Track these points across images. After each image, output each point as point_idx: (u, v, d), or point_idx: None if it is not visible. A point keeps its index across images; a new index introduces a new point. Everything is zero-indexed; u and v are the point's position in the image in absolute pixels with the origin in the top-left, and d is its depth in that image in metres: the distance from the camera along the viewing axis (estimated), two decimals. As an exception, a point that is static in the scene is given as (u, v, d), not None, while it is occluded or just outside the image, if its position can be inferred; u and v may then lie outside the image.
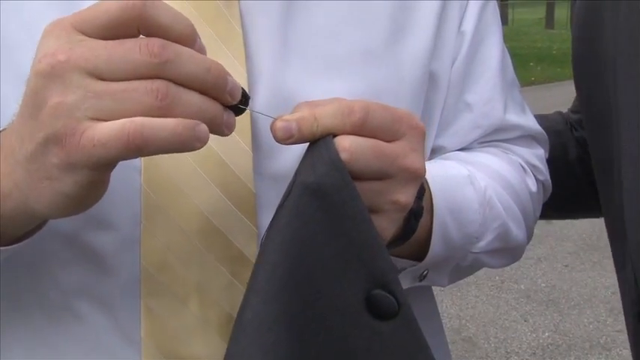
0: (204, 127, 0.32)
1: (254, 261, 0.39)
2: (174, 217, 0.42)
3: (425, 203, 0.46)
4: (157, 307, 0.43)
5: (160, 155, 0.33)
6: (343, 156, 0.35)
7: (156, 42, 0.31)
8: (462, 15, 0.54)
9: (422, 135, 0.40)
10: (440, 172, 0.49)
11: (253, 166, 0.43)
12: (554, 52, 11.19)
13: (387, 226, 0.38)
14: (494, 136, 0.58)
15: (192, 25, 0.33)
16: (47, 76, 0.31)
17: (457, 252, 0.52)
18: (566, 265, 3.05)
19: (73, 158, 0.31)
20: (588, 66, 0.65)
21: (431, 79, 0.52)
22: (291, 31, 0.47)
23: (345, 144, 0.36)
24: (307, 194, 0.35)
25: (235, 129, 0.35)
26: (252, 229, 0.43)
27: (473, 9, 0.54)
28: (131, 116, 0.30)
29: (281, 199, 0.37)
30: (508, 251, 0.57)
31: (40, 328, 0.46)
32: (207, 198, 0.42)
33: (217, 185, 0.42)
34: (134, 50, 0.31)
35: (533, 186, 0.59)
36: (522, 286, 2.88)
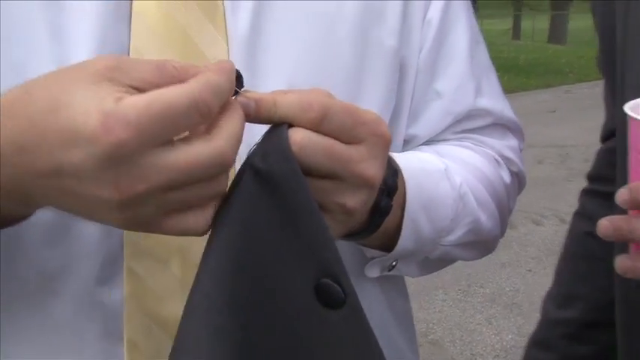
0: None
1: None
2: None
3: (397, 199, 0.46)
4: (139, 269, 0.44)
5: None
6: (293, 148, 0.35)
7: (222, 159, 0.33)
8: (428, 3, 0.55)
9: (385, 143, 0.39)
10: (417, 167, 0.49)
11: None
12: (520, 62, 11.51)
13: (332, 225, 0.38)
14: (466, 124, 0.59)
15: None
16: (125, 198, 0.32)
17: (426, 245, 0.52)
18: (529, 270, 3.13)
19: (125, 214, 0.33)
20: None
21: (400, 68, 0.53)
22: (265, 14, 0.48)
23: (297, 137, 0.36)
24: (258, 180, 0.35)
25: None
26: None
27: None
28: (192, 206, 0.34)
29: (233, 179, 0.37)
30: (481, 244, 0.58)
31: (20, 311, 0.45)
32: None
33: None
34: (203, 168, 0.33)
35: (507, 178, 0.60)
36: (487, 290, 2.94)
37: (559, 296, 0.79)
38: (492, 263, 3.05)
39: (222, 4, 0.46)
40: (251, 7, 0.47)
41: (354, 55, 0.50)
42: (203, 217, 0.35)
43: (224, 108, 0.34)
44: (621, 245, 0.48)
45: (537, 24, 18.80)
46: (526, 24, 20.39)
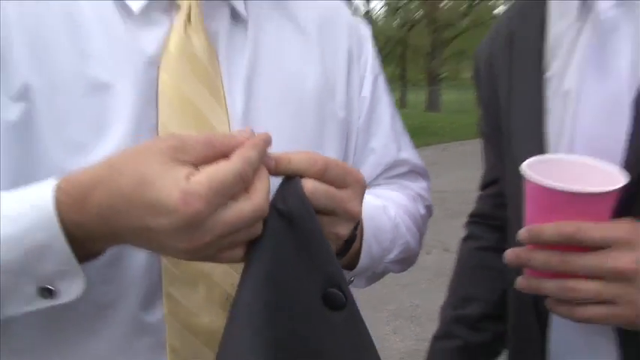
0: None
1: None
2: None
3: (358, 230, 0.54)
4: (175, 292, 0.51)
5: None
6: (305, 194, 0.43)
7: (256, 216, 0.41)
8: (362, 83, 0.66)
9: (363, 187, 0.47)
10: (366, 205, 0.54)
11: None
12: (407, 125, 12.45)
13: None
14: (392, 172, 0.68)
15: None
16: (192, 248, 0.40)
17: (376, 263, 0.61)
18: (424, 289, 3.51)
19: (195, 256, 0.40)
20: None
21: (347, 132, 0.62)
22: (255, 86, 0.56)
23: (309, 186, 0.43)
24: (281, 218, 0.43)
25: None
26: None
27: (368, 79, 0.67)
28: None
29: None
30: (407, 259, 0.68)
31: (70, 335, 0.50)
32: None
33: None
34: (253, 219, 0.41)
35: (422, 211, 0.71)
36: (392, 307, 3.28)
37: (457, 300, 0.87)
38: (395, 285, 3.41)
39: (222, 87, 0.53)
40: (243, 89, 0.55)
41: (317, 124, 0.59)
42: (239, 251, 0.43)
43: (255, 169, 0.41)
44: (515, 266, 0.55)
45: (418, 97, 21.08)
46: (410, 96, 22.62)
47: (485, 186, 0.88)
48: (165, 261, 0.50)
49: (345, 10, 0.68)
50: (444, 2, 18.37)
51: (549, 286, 0.54)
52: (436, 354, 0.86)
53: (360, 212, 0.48)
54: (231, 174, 0.39)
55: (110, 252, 0.46)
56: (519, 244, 0.55)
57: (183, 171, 0.38)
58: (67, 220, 0.41)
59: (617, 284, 0.51)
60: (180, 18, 0.53)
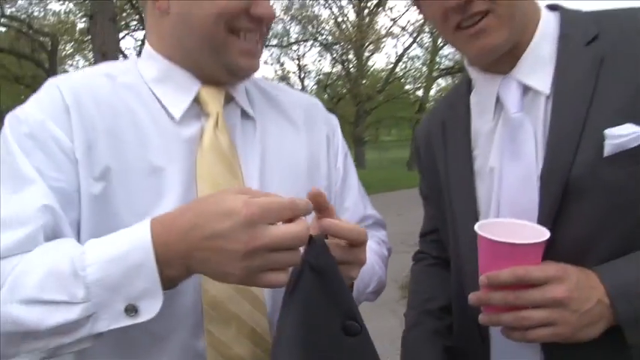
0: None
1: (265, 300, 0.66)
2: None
3: None
4: (213, 329, 0.67)
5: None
6: (332, 252, 0.59)
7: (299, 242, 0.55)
8: (336, 159, 0.88)
9: (365, 242, 0.65)
10: None
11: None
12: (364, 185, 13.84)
13: None
14: (361, 224, 0.86)
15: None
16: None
17: (361, 295, 0.80)
18: (365, 314, 4.53)
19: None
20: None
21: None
22: (266, 166, 0.75)
23: (338, 250, 0.62)
24: (312, 271, 0.59)
25: None
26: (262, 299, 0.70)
27: (341, 156, 0.89)
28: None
29: (293, 271, 0.60)
30: (380, 290, 0.87)
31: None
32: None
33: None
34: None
35: (385, 252, 0.93)
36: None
37: (419, 303, 1.01)
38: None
39: (241, 171, 0.72)
40: (258, 169, 0.74)
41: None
42: (283, 276, 0.55)
43: (300, 211, 0.57)
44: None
45: (401, 155, 23.38)
46: (369, 154, 24.65)
47: (425, 233, 1.07)
48: (205, 305, 0.67)
49: (320, 106, 0.92)
50: (364, 81, 21.46)
51: (506, 318, 0.69)
52: (411, 342, 0.98)
53: (365, 260, 0.67)
54: (283, 202, 0.56)
55: (165, 294, 0.58)
56: (461, 272, 0.81)
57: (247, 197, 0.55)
58: (157, 240, 0.57)
59: (557, 309, 0.67)
60: (210, 121, 0.74)
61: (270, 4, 0.77)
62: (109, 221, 0.66)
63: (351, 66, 21.52)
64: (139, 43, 16.95)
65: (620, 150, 0.71)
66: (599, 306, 0.69)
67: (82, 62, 19.40)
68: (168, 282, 0.58)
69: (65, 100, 0.70)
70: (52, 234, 0.64)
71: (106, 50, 10.58)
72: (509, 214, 0.77)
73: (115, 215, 0.67)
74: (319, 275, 0.60)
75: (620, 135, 0.70)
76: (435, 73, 22.36)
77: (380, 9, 20.98)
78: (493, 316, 0.72)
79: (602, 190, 0.72)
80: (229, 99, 0.79)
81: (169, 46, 0.76)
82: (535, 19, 0.81)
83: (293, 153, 0.81)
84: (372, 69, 23.54)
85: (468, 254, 0.80)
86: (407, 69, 23.15)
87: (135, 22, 16.87)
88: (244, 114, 0.80)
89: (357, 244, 0.65)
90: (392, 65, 22.81)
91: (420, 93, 23.76)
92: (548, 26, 0.81)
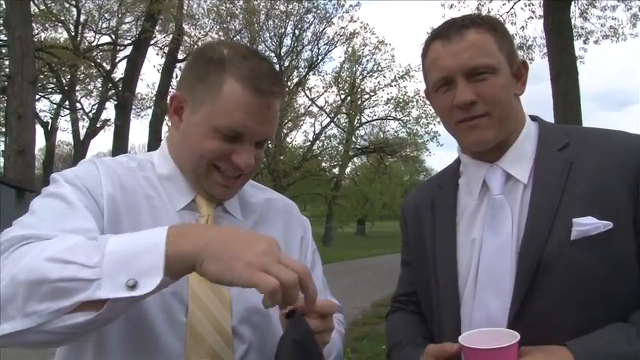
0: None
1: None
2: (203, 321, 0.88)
3: None
4: (193, 357, 0.87)
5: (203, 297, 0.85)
6: (311, 327, 0.77)
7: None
8: (306, 254, 1.11)
9: (334, 312, 0.85)
10: None
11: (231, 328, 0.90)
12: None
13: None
14: None
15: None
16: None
17: None
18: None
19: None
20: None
21: None
22: None
23: (315, 323, 0.80)
24: (294, 344, 0.76)
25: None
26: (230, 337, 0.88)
27: (310, 252, 1.12)
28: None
29: (278, 344, 0.78)
30: (339, 358, 1.07)
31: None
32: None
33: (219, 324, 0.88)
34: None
35: (343, 330, 1.14)
36: None
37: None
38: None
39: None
40: None
41: None
42: (274, 280, 0.67)
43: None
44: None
45: (317, 230, 23.39)
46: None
47: (400, 295, 1.25)
48: (189, 339, 0.88)
49: (296, 209, 1.16)
50: (282, 157, 22.33)
51: None
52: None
53: (334, 325, 0.87)
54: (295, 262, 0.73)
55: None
56: (441, 324, 1.02)
57: None
58: (172, 231, 0.71)
59: None
60: (202, 220, 0.95)
61: (252, 155, 0.93)
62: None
63: (269, 142, 22.35)
64: (55, 107, 16.39)
65: (584, 236, 0.92)
66: None
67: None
68: (172, 270, 0.70)
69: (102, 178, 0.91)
70: None
71: (23, 112, 10.26)
72: (486, 280, 0.97)
73: None
74: (300, 347, 0.77)
75: (584, 224, 0.92)
76: (351, 152, 23.89)
77: (299, 88, 22.47)
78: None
79: (567, 267, 0.91)
80: (220, 203, 1.00)
81: (177, 154, 0.98)
82: (521, 123, 1.06)
83: None
84: (290, 145, 24.61)
85: (448, 310, 1.02)
86: (324, 147, 24.56)
87: (52, 86, 16.43)
88: (232, 219, 1.01)
89: (328, 314, 0.84)
90: (309, 143, 24.09)
91: (336, 171, 25.14)
92: (530, 131, 1.05)
